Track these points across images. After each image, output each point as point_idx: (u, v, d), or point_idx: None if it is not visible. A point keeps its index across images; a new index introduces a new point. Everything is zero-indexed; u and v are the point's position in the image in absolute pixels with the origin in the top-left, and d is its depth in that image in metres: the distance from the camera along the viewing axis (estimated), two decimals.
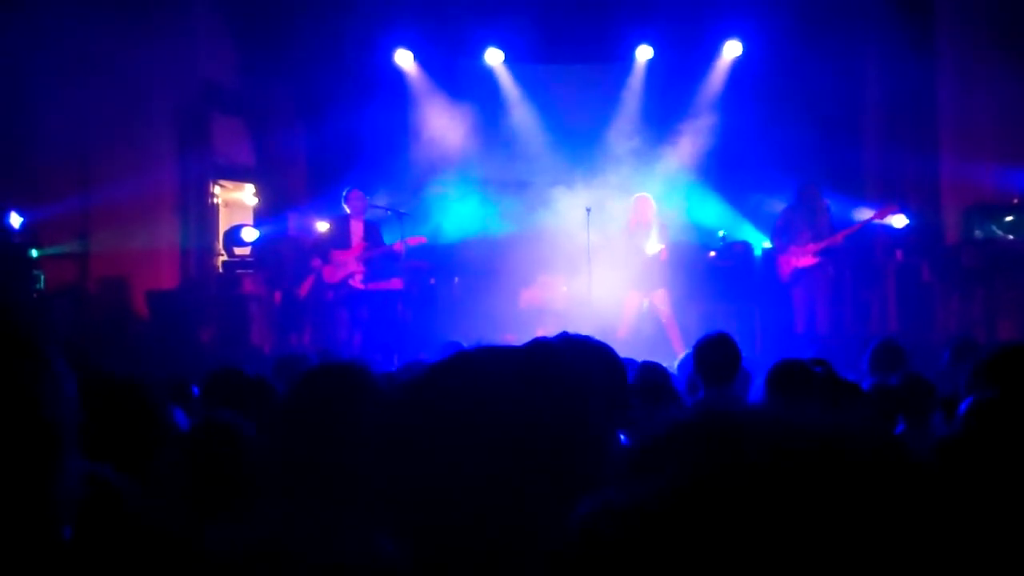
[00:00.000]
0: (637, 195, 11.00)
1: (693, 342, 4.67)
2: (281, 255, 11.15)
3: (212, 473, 2.50)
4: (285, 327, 10.99)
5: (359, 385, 2.20)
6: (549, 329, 10.70)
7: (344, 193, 10.73)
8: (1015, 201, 10.53)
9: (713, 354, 4.37)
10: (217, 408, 4.01)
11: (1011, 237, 10.39)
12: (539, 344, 1.96)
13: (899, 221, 10.91)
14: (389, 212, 10.99)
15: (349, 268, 10.64)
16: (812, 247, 10.25)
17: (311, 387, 2.27)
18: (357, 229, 10.72)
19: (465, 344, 6.26)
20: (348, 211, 10.73)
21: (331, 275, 10.63)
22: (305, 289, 10.78)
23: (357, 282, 10.70)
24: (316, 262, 10.72)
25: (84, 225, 10.91)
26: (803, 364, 4.30)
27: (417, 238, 10.78)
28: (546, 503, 1.18)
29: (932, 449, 2.43)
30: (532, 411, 1.21)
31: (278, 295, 11.14)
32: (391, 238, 10.82)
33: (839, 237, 10.30)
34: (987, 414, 2.72)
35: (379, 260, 10.86)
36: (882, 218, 10.46)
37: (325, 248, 10.72)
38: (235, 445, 2.54)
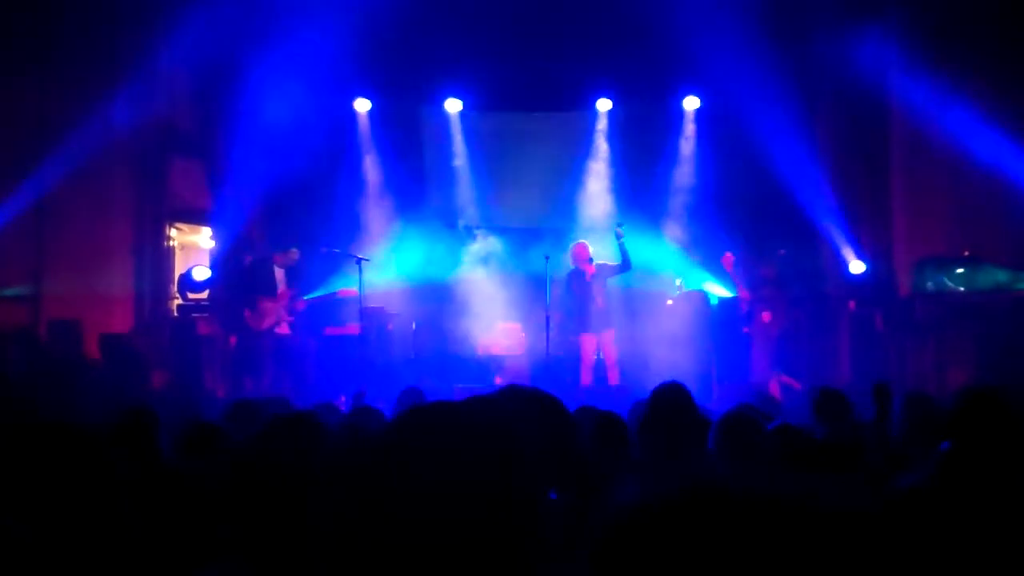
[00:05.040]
0: (575, 243, 11.05)
1: (649, 389, 4.68)
2: (235, 299, 11.04)
3: (176, 519, 2.47)
4: (239, 371, 10.87)
5: (311, 439, 2.20)
6: (506, 376, 10.73)
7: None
8: (966, 253, 10.72)
9: (667, 404, 4.37)
10: (171, 455, 3.97)
11: (962, 289, 10.57)
12: (476, 400, 1.98)
13: (856, 267, 11.17)
14: (346, 256, 11.00)
15: (275, 316, 10.58)
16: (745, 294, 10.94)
17: (265, 442, 2.27)
18: (280, 275, 10.68)
19: (424, 391, 6.26)
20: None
21: (257, 324, 10.54)
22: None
23: (284, 329, 10.66)
24: (246, 312, 10.62)
25: (37, 266, 10.76)
26: (752, 415, 4.33)
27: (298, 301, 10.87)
28: (481, 560, 1.21)
29: (898, 499, 2.44)
30: (467, 470, 1.26)
31: (233, 339, 11.03)
32: (349, 283, 10.80)
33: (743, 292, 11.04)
34: (957, 464, 2.75)
35: (313, 307, 10.92)
36: (727, 266, 10.89)
37: (252, 297, 10.64)
38: (196, 491, 2.51)
